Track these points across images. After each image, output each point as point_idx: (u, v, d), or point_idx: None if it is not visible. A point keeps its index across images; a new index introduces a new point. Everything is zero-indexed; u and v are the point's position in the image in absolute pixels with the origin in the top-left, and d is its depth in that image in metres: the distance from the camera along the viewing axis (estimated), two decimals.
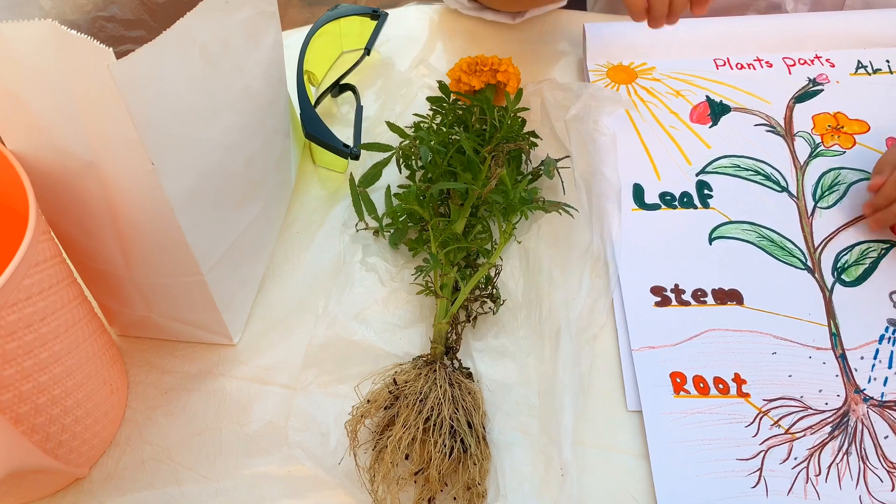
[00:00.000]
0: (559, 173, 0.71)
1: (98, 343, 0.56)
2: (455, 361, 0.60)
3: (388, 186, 0.70)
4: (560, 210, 0.67)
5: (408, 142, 0.69)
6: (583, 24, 0.84)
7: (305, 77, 0.74)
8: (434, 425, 0.53)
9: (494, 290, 0.64)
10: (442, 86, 0.74)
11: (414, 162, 0.70)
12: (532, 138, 0.72)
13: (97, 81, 0.41)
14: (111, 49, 0.39)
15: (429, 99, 0.74)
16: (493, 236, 0.67)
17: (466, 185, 0.63)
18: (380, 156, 0.71)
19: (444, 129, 0.69)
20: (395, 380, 0.56)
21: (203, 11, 0.46)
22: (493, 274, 0.65)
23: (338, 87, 0.79)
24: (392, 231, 0.68)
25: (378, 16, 0.82)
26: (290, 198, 0.74)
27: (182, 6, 0.43)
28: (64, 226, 0.54)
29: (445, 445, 0.53)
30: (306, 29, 0.80)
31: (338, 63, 0.85)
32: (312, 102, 0.74)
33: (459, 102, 0.74)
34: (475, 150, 0.65)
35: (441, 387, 0.54)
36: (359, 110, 0.75)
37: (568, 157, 0.72)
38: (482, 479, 0.54)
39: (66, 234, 0.55)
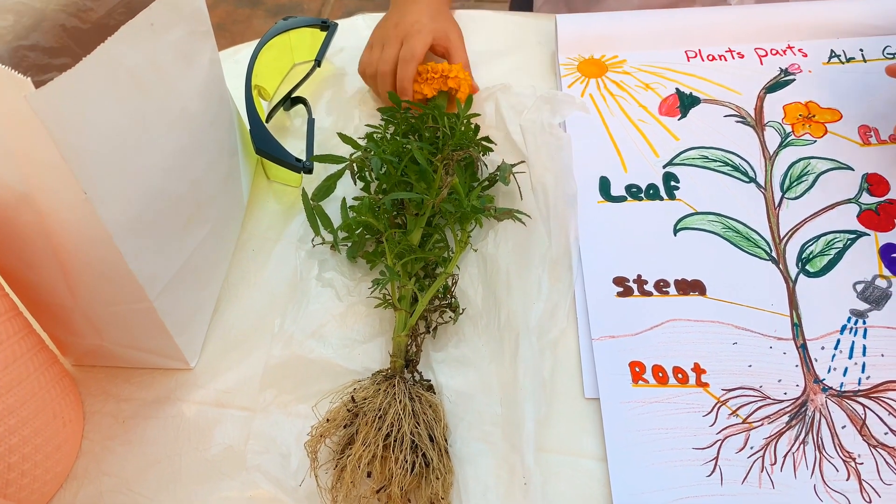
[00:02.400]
0: (515, 178, 0.70)
1: (47, 376, 0.55)
2: (416, 374, 0.60)
3: (344, 199, 0.69)
4: (513, 217, 0.67)
5: (360, 153, 0.69)
6: (554, 16, 0.85)
7: (256, 92, 0.74)
8: (395, 441, 0.53)
9: (453, 300, 0.64)
10: (392, 95, 0.74)
11: (368, 174, 0.70)
12: (486, 143, 0.72)
13: (18, 112, 0.41)
14: (29, 78, 0.39)
15: (380, 110, 0.74)
16: (451, 245, 0.67)
17: (419, 196, 0.62)
18: (334, 168, 0.70)
19: (398, 139, 0.69)
20: (353, 397, 0.56)
21: (127, 36, 0.46)
22: (450, 283, 0.64)
23: (289, 101, 0.79)
24: (349, 245, 0.68)
25: (328, 27, 0.82)
26: (244, 215, 0.73)
27: (108, 31, 0.43)
28: (4, 258, 0.54)
29: (407, 461, 0.53)
30: (254, 43, 0.80)
31: (290, 76, 0.85)
32: (264, 117, 0.74)
33: (411, 111, 0.74)
34: (428, 160, 0.65)
35: (401, 402, 0.54)
36: (310, 123, 0.75)
37: (523, 161, 0.71)
38: (445, 492, 0.54)
39: (7, 266, 0.55)
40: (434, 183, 0.64)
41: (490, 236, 0.69)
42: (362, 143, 0.71)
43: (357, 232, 0.67)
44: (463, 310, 0.65)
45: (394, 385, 0.56)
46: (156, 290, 0.56)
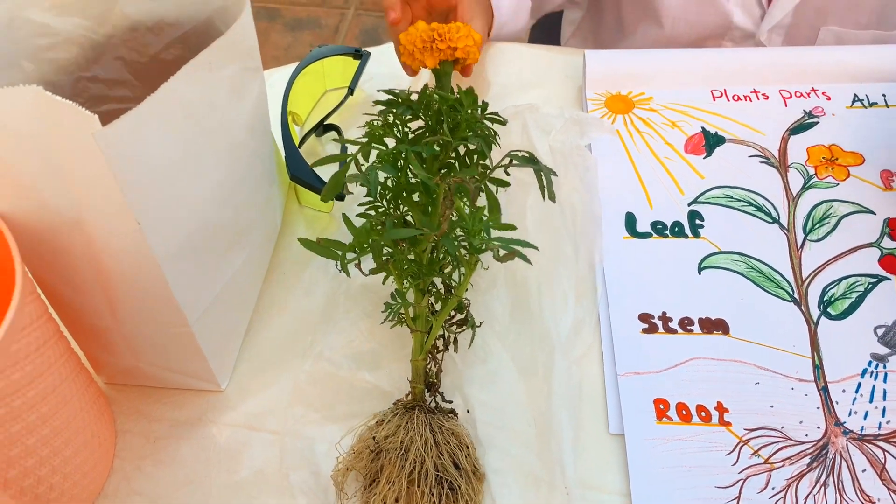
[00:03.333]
0: (550, 186, 0.67)
1: (86, 396, 0.56)
2: (437, 397, 0.61)
3: (344, 214, 0.64)
4: (519, 255, 0.60)
5: (360, 148, 0.62)
6: (583, 52, 0.86)
7: (289, 118, 0.76)
8: (419, 475, 0.54)
9: (469, 317, 0.64)
10: (389, 92, 0.65)
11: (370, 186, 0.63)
12: (495, 118, 0.66)
13: (82, 146, 0.42)
14: (96, 116, 0.40)
15: (377, 102, 0.66)
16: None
17: (415, 232, 0.58)
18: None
19: (400, 134, 0.64)
20: (374, 437, 0.56)
21: (187, 74, 0.47)
22: (465, 305, 0.64)
23: (322, 127, 0.81)
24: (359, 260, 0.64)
25: (360, 55, 0.84)
26: (276, 240, 0.75)
27: (165, 65, 0.45)
28: (50, 281, 0.55)
29: (433, 493, 0.54)
30: (288, 67, 0.81)
31: (321, 102, 0.86)
32: (297, 143, 0.75)
33: (408, 101, 0.65)
34: (428, 177, 0.60)
35: (422, 436, 0.55)
36: (343, 150, 0.76)
37: (531, 154, 0.67)
38: None
39: (53, 288, 0.56)
40: (435, 210, 0.61)
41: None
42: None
43: (366, 247, 0.62)
44: (480, 323, 0.65)
45: (414, 417, 0.56)
46: (195, 315, 0.57)
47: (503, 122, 0.66)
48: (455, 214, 0.62)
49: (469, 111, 0.63)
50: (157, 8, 0.53)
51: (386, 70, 0.89)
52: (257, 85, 0.60)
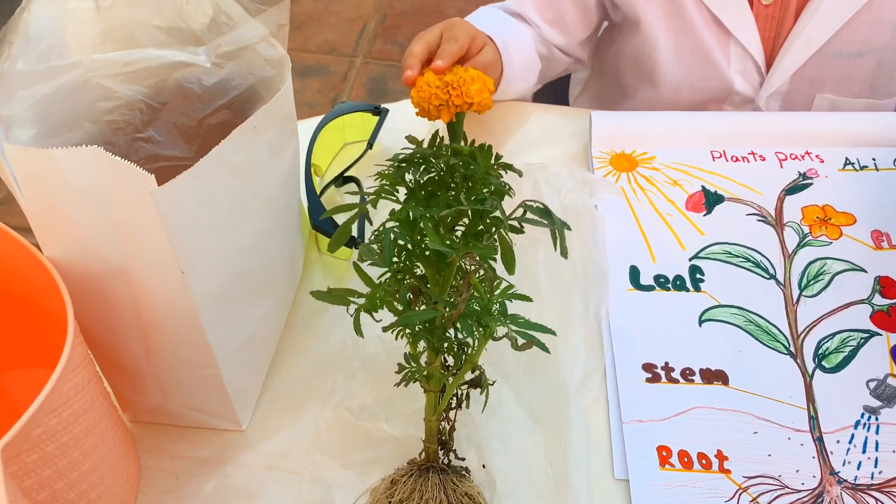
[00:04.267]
0: (562, 234, 0.69)
1: (117, 434, 0.59)
2: (450, 455, 0.62)
3: (355, 263, 0.63)
4: (536, 344, 0.59)
5: (373, 198, 0.62)
6: (590, 113, 0.91)
7: (311, 169, 0.80)
8: None
9: (484, 378, 0.63)
10: (412, 139, 0.64)
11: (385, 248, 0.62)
12: (506, 165, 0.64)
13: (138, 202, 0.46)
14: (153, 175, 0.44)
15: (390, 160, 0.64)
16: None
17: (434, 314, 0.57)
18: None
19: (410, 191, 0.63)
20: (390, 501, 0.58)
21: (235, 138, 0.52)
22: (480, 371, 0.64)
23: (342, 179, 0.85)
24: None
25: (379, 112, 0.89)
26: (297, 286, 0.78)
27: (212, 129, 0.48)
28: (90, 323, 0.58)
29: None
30: (310, 121, 0.85)
31: (340, 154, 0.91)
32: (318, 193, 0.79)
33: (420, 159, 0.65)
34: (444, 243, 0.61)
35: (437, 498, 0.57)
36: (362, 201, 0.80)
37: (544, 205, 0.71)
38: None
39: (92, 330, 0.59)
40: (448, 277, 0.60)
41: (532, 305, 0.71)
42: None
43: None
44: (493, 382, 0.66)
45: (428, 480, 0.58)
46: (224, 358, 0.61)
47: (519, 173, 0.66)
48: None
49: (483, 166, 0.63)
50: (208, 78, 0.57)
51: (401, 125, 0.93)
52: (293, 145, 0.64)
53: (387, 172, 0.63)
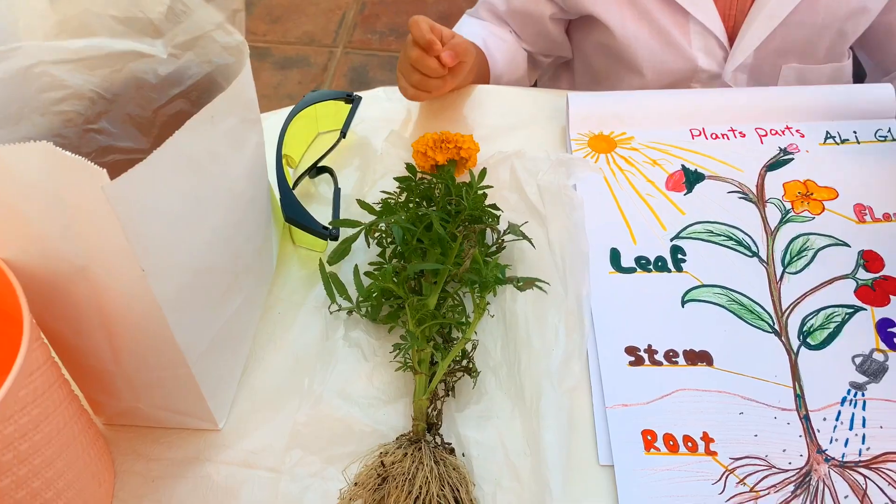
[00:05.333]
0: (524, 234, 0.73)
1: (86, 438, 0.58)
2: (438, 437, 0.62)
3: (356, 267, 0.72)
4: (535, 286, 0.70)
5: (376, 218, 0.72)
6: (566, 94, 0.89)
7: (284, 161, 0.78)
8: (424, 503, 0.56)
9: (471, 364, 0.67)
10: (409, 167, 0.78)
11: (384, 239, 0.73)
12: (493, 210, 0.75)
13: (91, 198, 0.44)
14: (104, 170, 0.43)
15: (396, 179, 0.78)
16: (466, 308, 0.70)
17: (444, 267, 0.66)
18: (352, 231, 0.73)
19: (412, 206, 0.73)
20: (382, 461, 0.58)
21: (191, 127, 0.50)
22: (469, 348, 0.67)
23: (315, 169, 0.83)
24: (366, 309, 0.70)
25: (352, 100, 0.87)
26: (272, 280, 0.76)
27: (168, 119, 0.47)
28: (54, 325, 0.57)
29: None
30: (282, 112, 0.84)
31: (314, 144, 0.89)
32: (291, 185, 0.77)
33: (424, 180, 0.78)
34: (443, 226, 0.69)
35: (427, 465, 0.57)
36: (336, 192, 0.79)
37: (527, 223, 0.75)
38: None
39: (56, 332, 0.57)
40: (451, 251, 0.68)
41: (508, 290, 0.72)
42: (378, 207, 0.74)
43: (374, 296, 0.69)
44: (479, 373, 0.67)
45: (420, 449, 0.58)
46: (194, 357, 0.59)
47: (498, 216, 0.76)
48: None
49: (472, 200, 0.73)
50: (164, 67, 0.55)
51: (376, 113, 0.92)
52: (255, 135, 0.63)
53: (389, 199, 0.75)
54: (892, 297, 0.73)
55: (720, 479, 0.63)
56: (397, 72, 0.88)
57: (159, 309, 0.52)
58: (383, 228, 0.72)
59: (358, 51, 2.47)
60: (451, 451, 0.62)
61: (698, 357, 0.70)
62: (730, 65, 0.95)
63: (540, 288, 0.70)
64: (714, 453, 0.64)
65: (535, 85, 1.21)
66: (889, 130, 0.85)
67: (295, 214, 0.74)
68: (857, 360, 0.69)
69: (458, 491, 0.57)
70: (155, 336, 0.55)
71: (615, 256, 0.77)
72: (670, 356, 0.70)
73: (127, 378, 0.60)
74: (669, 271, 0.76)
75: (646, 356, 0.70)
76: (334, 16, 2.56)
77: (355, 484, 0.58)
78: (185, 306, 0.55)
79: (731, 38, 0.94)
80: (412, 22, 0.82)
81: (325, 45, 2.48)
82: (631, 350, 0.70)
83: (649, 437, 0.65)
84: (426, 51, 0.81)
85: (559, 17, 1.02)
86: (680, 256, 0.77)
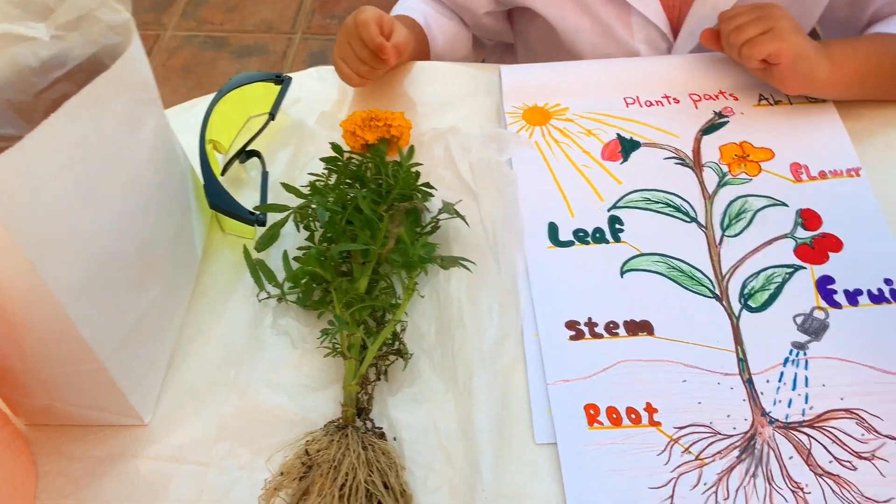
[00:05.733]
0: (457, 212, 0.72)
1: (1, 440, 0.55)
2: (368, 422, 0.61)
3: (285, 252, 0.70)
4: (459, 265, 0.68)
5: (304, 202, 0.70)
6: (499, 68, 0.87)
7: (211, 146, 0.76)
8: (350, 491, 0.54)
9: (402, 346, 0.65)
10: (335, 146, 0.75)
11: (312, 223, 0.71)
12: (427, 189, 0.73)
13: None
14: None
15: (322, 159, 0.75)
16: (398, 291, 0.69)
17: (367, 247, 0.64)
18: (280, 216, 0.71)
19: (341, 187, 0.71)
20: (307, 450, 0.57)
21: (71, 110, 0.47)
22: (399, 330, 0.66)
23: (244, 154, 0.81)
24: (297, 295, 0.69)
25: (282, 81, 0.84)
26: (197, 270, 0.74)
27: (51, 103, 0.44)
28: None
29: None
30: (210, 97, 0.81)
31: (245, 128, 0.86)
32: (219, 170, 0.75)
33: (353, 160, 0.76)
34: (372, 209, 0.67)
35: (354, 451, 0.56)
36: (264, 176, 0.77)
37: (461, 201, 0.73)
38: None
39: None
40: (379, 232, 0.66)
41: (441, 272, 0.70)
42: (307, 191, 0.72)
43: (303, 282, 0.68)
44: (411, 355, 0.66)
45: (346, 435, 0.57)
46: (107, 351, 0.57)
47: (432, 195, 0.75)
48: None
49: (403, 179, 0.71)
50: (44, 50, 0.52)
51: (309, 94, 0.89)
52: (155, 117, 0.60)
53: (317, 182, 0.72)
54: (830, 254, 0.72)
55: (665, 449, 0.61)
56: (336, 58, 0.85)
57: (56, 301, 0.50)
58: (311, 212, 0.70)
59: (317, 36, 2.42)
60: (382, 435, 0.60)
61: (639, 327, 0.68)
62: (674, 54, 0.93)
63: (465, 266, 0.68)
64: (658, 423, 0.63)
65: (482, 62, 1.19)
66: None
67: (219, 200, 0.72)
68: (799, 320, 0.68)
69: (388, 476, 0.56)
70: (57, 330, 0.52)
71: (553, 230, 0.75)
72: (611, 328, 0.68)
73: (35, 375, 0.57)
74: (608, 242, 0.74)
75: (586, 330, 0.68)
76: (292, 2, 2.51)
77: (281, 473, 0.56)
78: (89, 298, 0.53)
79: (676, 30, 0.91)
80: (361, 23, 0.81)
81: (283, 31, 2.43)
82: (571, 324, 0.69)
83: (592, 412, 0.63)
84: (375, 53, 0.81)
85: (495, 9, 0.99)
86: (618, 227, 0.75)
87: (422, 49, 0.96)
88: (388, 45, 0.80)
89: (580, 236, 0.75)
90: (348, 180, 0.73)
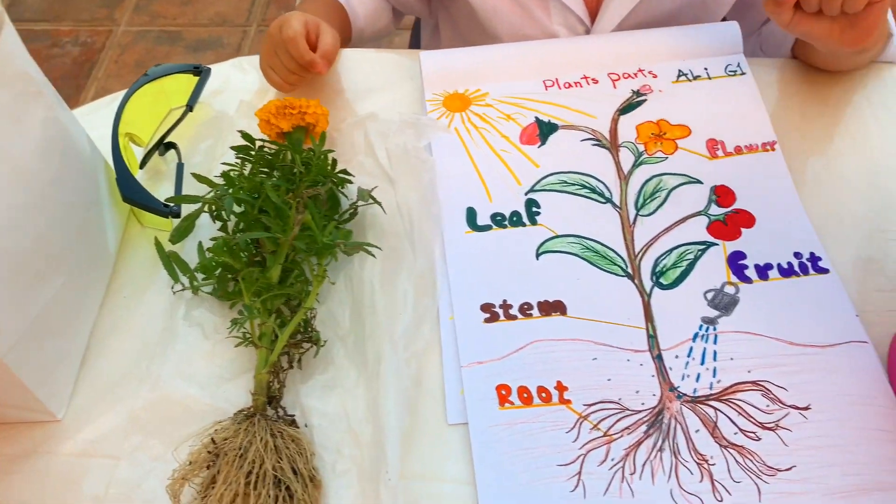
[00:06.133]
0: (375, 199, 0.72)
1: None
2: (279, 410, 0.61)
3: (200, 243, 0.70)
4: (363, 250, 0.69)
5: (215, 192, 0.70)
6: (419, 54, 0.87)
7: (128, 139, 0.75)
8: (257, 478, 0.55)
9: (314, 333, 0.66)
10: (244, 135, 0.75)
11: (224, 213, 0.71)
12: (344, 175, 0.73)
13: None
14: None
15: (233, 148, 0.75)
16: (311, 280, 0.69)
17: (271, 235, 0.64)
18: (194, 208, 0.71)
19: (253, 177, 0.70)
20: (213, 439, 0.57)
21: None
22: (310, 317, 0.66)
23: (163, 146, 0.80)
24: (211, 287, 0.69)
25: (200, 72, 0.84)
26: (113, 264, 0.74)
27: None
28: None
29: (270, 496, 0.55)
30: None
31: (165, 120, 0.86)
32: (136, 164, 0.75)
33: (266, 148, 0.75)
34: (281, 197, 0.67)
35: (262, 439, 0.56)
36: (179, 167, 0.76)
37: (377, 187, 0.74)
38: None
39: None
40: (289, 220, 0.66)
41: (356, 259, 0.71)
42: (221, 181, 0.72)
43: (217, 273, 0.68)
44: (324, 342, 0.66)
45: (254, 423, 0.57)
46: (5, 346, 0.56)
47: (349, 181, 0.75)
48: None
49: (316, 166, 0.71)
50: None
51: (236, 85, 0.89)
52: (41, 109, 0.60)
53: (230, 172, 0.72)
54: (743, 230, 0.73)
55: (574, 426, 0.62)
56: (263, 66, 0.85)
57: None
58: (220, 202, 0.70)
59: None
60: (292, 423, 0.61)
61: (552, 307, 0.69)
62: None
63: (368, 252, 0.69)
64: (568, 401, 0.63)
65: (417, 46, 1.18)
66: (738, 65, 0.85)
67: (131, 193, 0.72)
68: (709, 296, 0.69)
69: (297, 462, 0.56)
70: None
71: (471, 215, 0.76)
72: (525, 309, 0.69)
73: None
74: (524, 225, 0.75)
75: (501, 311, 0.69)
76: None
77: (189, 462, 0.56)
78: None
79: (594, 14, 0.91)
80: (289, 40, 0.80)
81: (238, 24, 2.41)
82: (486, 307, 0.69)
83: (504, 392, 0.64)
84: (306, 68, 0.81)
85: None
86: (535, 210, 0.76)
87: (343, 29, 0.96)
88: (318, 58, 0.80)
89: (498, 220, 0.75)
90: (265, 169, 0.72)
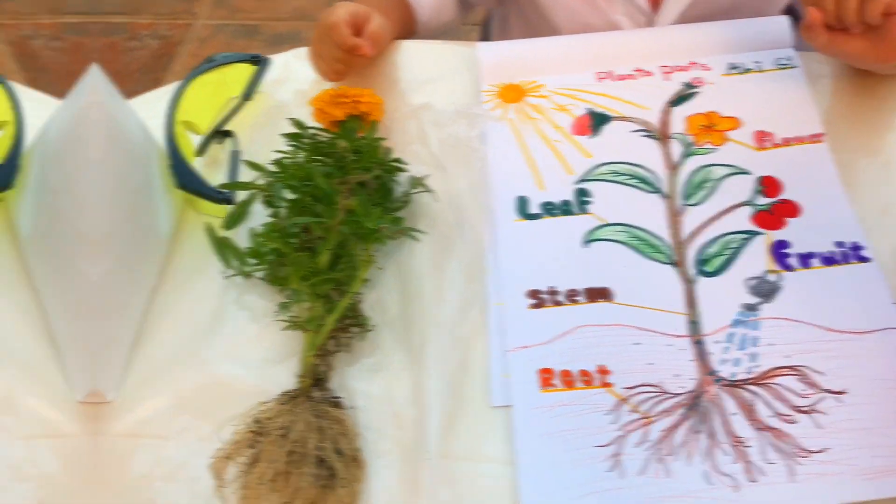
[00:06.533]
0: (427, 187, 0.75)
1: None
2: (325, 392, 0.63)
3: (251, 229, 0.72)
4: (408, 235, 0.72)
5: (266, 179, 0.72)
6: (476, 45, 0.91)
7: (184, 128, 0.78)
8: (299, 457, 0.57)
9: (361, 318, 0.68)
10: (295, 121, 0.77)
11: (275, 199, 0.73)
12: (396, 164, 0.76)
13: None
14: None
15: (284, 135, 0.76)
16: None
17: (318, 220, 0.67)
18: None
19: (304, 164, 0.73)
20: (256, 419, 0.60)
21: None
22: (357, 302, 0.69)
23: (220, 134, 0.83)
24: (263, 272, 0.71)
25: (259, 62, 0.88)
26: (165, 249, 0.76)
27: None
28: None
29: (312, 476, 0.57)
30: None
31: (224, 109, 0.87)
32: (193, 152, 0.78)
33: (318, 136, 0.76)
34: (329, 184, 0.70)
35: (305, 419, 0.58)
36: (233, 155, 0.79)
37: (429, 175, 0.77)
38: (353, 500, 0.59)
39: None
40: (337, 206, 0.68)
41: (406, 246, 0.74)
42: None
43: (268, 258, 0.70)
44: (373, 326, 0.69)
45: (297, 404, 0.60)
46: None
47: (403, 170, 0.77)
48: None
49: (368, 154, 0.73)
50: None
51: (292, 75, 0.92)
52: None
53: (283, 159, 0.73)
54: (787, 219, 0.74)
55: (614, 409, 0.65)
56: (312, 55, 0.88)
57: None
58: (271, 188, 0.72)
59: None
60: (337, 404, 0.63)
61: (598, 294, 0.72)
62: None
63: (413, 237, 0.72)
64: (609, 385, 0.67)
65: (486, 38, 1.21)
66: (789, 58, 0.85)
67: (184, 180, 0.75)
68: (751, 283, 0.71)
69: (340, 443, 0.58)
70: None
71: (522, 204, 0.79)
72: (571, 296, 0.72)
73: None
74: (574, 214, 0.78)
75: (547, 297, 0.72)
76: None
77: (233, 442, 0.59)
78: None
79: (656, 5, 0.93)
80: (332, 26, 0.83)
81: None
82: (533, 293, 0.72)
83: (547, 376, 0.67)
84: (349, 52, 0.83)
85: None
86: (584, 199, 0.78)
87: (406, 23, 0.98)
88: (363, 42, 0.82)
89: (548, 209, 0.78)
90: (319, 157, 0.75)
